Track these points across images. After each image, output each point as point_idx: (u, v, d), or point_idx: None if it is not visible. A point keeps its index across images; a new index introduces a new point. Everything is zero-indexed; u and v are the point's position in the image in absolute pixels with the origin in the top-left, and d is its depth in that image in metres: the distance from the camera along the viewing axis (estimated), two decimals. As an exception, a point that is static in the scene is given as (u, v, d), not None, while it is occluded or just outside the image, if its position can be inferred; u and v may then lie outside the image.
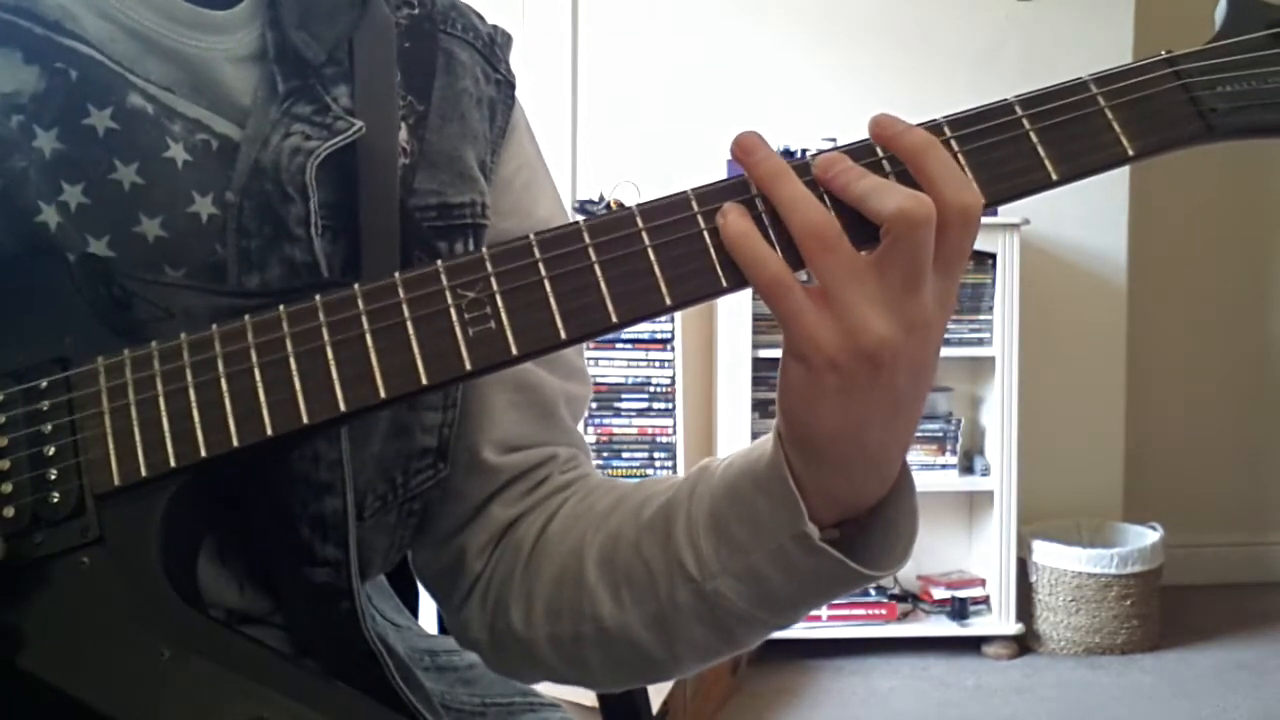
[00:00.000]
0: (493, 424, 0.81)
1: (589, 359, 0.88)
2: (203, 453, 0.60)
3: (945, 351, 3.17)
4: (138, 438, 0.61)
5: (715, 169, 3.01)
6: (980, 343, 3.11)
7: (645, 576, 0.72)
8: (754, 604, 0.69)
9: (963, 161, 0.62)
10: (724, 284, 0.61)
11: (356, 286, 0.62)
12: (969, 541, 3.33)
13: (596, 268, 0.61)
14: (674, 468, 2.98)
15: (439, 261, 0.62)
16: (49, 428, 0.61)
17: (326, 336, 0.61)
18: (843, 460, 0.63)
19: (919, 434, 3.13)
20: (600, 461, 2.90)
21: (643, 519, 0.73)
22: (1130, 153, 0.63)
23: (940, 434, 3.16)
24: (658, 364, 3.00)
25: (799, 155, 3.29)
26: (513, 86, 0.85)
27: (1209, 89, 0.63)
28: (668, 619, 0.71)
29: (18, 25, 0.67)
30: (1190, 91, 0.63)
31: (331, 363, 0.61)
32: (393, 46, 0.78)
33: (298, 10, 0.74)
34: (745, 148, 0.61)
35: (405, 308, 0.61)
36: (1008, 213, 2.95)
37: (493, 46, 0.84)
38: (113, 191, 0.68)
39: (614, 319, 0.61)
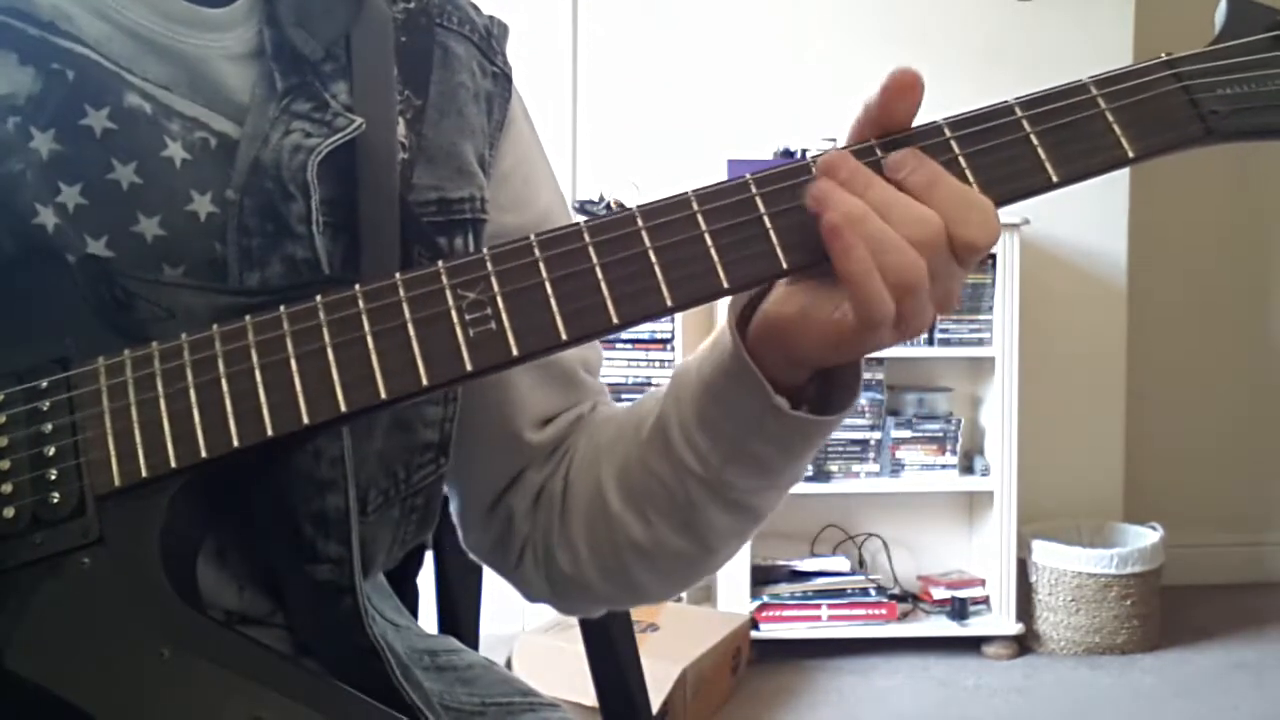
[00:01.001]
0: (526, 406, 0.84)
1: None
2: (203, 453, 0.60)
3: (945, 351, 3.15)
4: (138, 438, 0.61)
5: (715, 169, 3.01)
6: (980, 343, 3.11)
7: (661, 490, 0.76)
8: (757, 477, 0.73)
9: (963, 164, 0.62)
10: (725, 285, 0.61)
11: (357, 287, 0.62)
12: (969, 541, 3.33)
13: (598, 269, 0.61)
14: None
15: (440, 262, 0.62)
16: (49, 428, 0.61)
17: (327, 337, 0.61)
18: (819, 364, 0.68)
19: (918, 434, 3.15)
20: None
21: (642, 439, 0.77)
22: (1130, 155, 0.63)
23: (940, 434, 3.16)
24: (658, 364, 3.00)
25: (799, 156, 3.28)
26: (509, 79, 0.85)
27: (1209, 91, 0.63)
28: (692, 519, 0.76)
29: (12, 26, 0.67)
30: (1190, 94, 0.63)
31: (332, 363, 0.61)
32: (390, 42, 0.78)
33: (295, 7, 0.74)
34: (831, 174, 0.62)
35: (406, 308, 0.61)
36: (1008, 213, 2.90)
37: (489, 39, 0.84)
38: (111, 191, 0.67)
39: (615, 320, 0.61)
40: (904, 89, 0.63)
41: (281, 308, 0.62)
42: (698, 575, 0.83)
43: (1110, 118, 0.63)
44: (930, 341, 3.12)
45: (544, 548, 0.84)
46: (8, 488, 0.60)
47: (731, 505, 0.75)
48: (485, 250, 0.62)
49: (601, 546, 0.81)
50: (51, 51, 0.67)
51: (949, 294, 0.63)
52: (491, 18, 0.86)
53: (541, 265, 0.61)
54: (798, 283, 0.65)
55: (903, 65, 0.63)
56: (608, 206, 3.05)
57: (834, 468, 3.14)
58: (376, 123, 0.74)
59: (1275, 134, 0.63)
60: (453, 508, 0.89)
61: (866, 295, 0.60)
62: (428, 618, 1.06)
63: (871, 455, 3.17)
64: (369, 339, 0.61)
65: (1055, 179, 0.62)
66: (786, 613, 3.08)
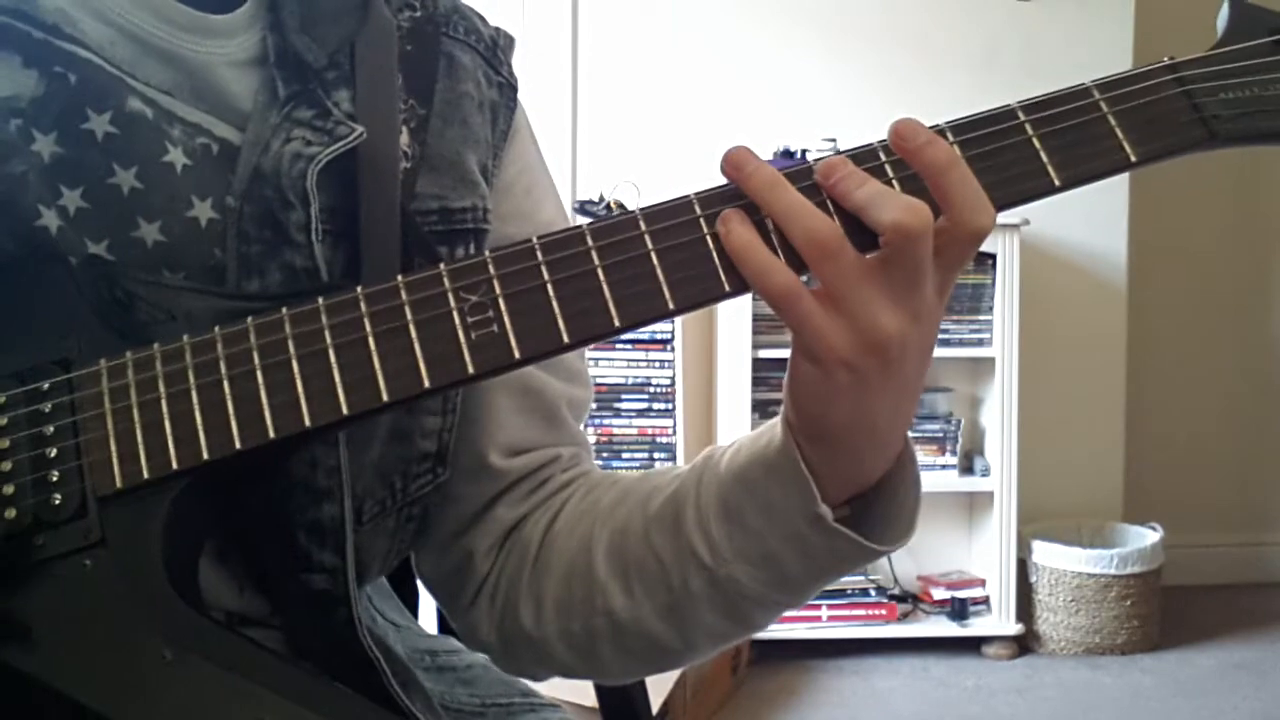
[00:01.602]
0: (498, 428, 0.81)
1: (589, 359, 0.89)
2: (205, 455, 0.60)
3: (945, 352, 3.16)
4: (140, 440, 0.61)
5: (715, 170, 3.00)
6: (980, 343, 3.11)
7: (656, 567, 0.73)
8: (767, 586, 0.70)
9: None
10: (727, 288, 0.61)
11: (359, 289, 0.62)
12: (969, 542, 3.33)
13: (599, 271, 0.61)
14: (674, 467, 2.98)
15: (441, 265, 0.62)
16: (51, 429, 0.61)
17: (329, 339, 0.61)
18: (853, 444, 0.65)
19: (919, 434, 3.15)
20: (600, 462, 2.88)
21: (650, 511, 0.74)
22: (1133, 159, 0.63)
23: (940, 434, 3.16)
24: (658, 364, 3.00)
25: (799, 156, 3.28)
26: (515, 89, 0.85)
27: (1211, 96, 0.63)
28: (681, 607, 0.72)
29: (16, 29, 0.66)
30: (1193, 98, 0.63)
31: (334, 365, 0.61)
32: (394, 50, 0.78)
33: (299, 14, 0.74)
34: (735, 163, 0.62)
35: (408, 310, 0.61)
36: (1007, 213, 2.94)
37: (495, 49, 0.84)
38: (111, 196, 0.67)
39: (616, 323, 0.61)
40: (735, 166, 0.62)
41: (284, 309, 0.62)
42: (667, 666, 0.79)
43: (1113, 121, 0.63)
44: (930, 341, 3.11)
45: (506, 596, 0.80)
46: (9, 489, 0.60)
47: (728, 607, 0.72)
48: (487, 253, 0.62)
49: (573, 609, 0.76)
50: (54, 55, 0.67)
51: (909, 293, 0.60)
52: (498, 29, 0.86)
53: (543, 268, 0.61)
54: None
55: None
56: (608, 207, 3.04)
57: (834, 468, 3.14)
58: (379, 131, 0.73)
59: (1277, 138, 0.63)
60: None
61: (753, 269, 0.59)
62: (428, 618, 1.05)
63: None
64: (371, 341, 0.61)
65: (1058, 183, 0.63)
66: (785, 614, 3.07)
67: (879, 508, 0.69)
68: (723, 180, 0.63)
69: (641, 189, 3.01)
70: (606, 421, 2.99)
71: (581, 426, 0.87)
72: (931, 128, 0.63)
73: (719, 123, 3.24)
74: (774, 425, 0.68)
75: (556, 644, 0.78)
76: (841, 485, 0.67)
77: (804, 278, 0.60)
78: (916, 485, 0.69)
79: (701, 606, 0.72)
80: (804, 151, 2.99)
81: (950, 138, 0.63)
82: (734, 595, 0.71)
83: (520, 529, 0.81)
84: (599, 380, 2.93)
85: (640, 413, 3.01)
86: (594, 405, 0.88)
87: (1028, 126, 0.63)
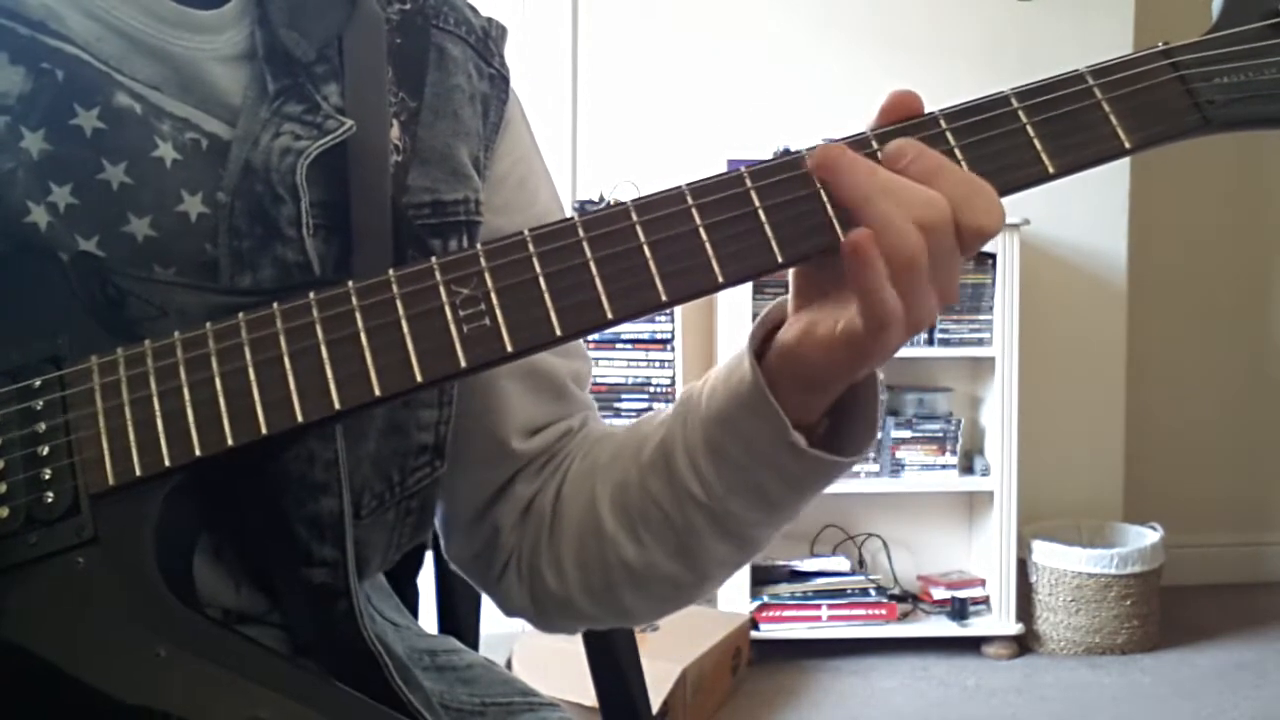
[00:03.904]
0: (513, 414, 0.83)
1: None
2: (197, 452, 0.60)
3: (945, 351, 3.15)
4: (132, 437, 0.60)
5: (715, 169, 2.99)
6: (980, 343, 3.11)
7: (658, 513, 0.75)
8: (762, 510, 0.73)
9: (959, 155, 0.62)
10: (720, 279, 0.61)
11: (350, 284, 0.62)
12: (969, 541, 3.33)
13: (591, 264, 0.61)
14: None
15: (433, 258, 0.62)
16: (43, 427, 0.61)
17: (321, 334, 0.61)
18: (833, 385, 0.67)
19: (918, 434, 3.15)
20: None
21: (643, 460, 0.77)
22: (1127, 145, 0.63)
23: (940, 434, 3.16)
24: (658, 364, 3.00)
25: (798, 153, 3.27)
26: (507, 80, 0.85)
27: (1206, 81, 0.63)
28: (689, 546, 0.75)
29: (2, 26, 0.66)
30: (1187, 83, 0.63)
31: (326, 360, 0.61)
32: (383, 43, 0.78)
33: (286, 9, 0.74)
34: (830, 167, 0.61)
35: (400, 305, 0.61)
36: (1008, 212, 2.94)
37: (486, 40, 0.84)
38: (101, 191, 0.67)
39: (609, 315, 0.61)
40: (902, 108, 0.63)
41: (275, 305, 0.62)
42: (686, 600, 0.82)
43: (1107, 108, 0.63)
44: (930, 341, 3.11)
45: (529, 563, 0.83)
46: (2, 488, 0.60)
47: (731, 534, 0.74)
48: (479, 246, 0.62)
49: (590, 565, 0.80)
50: (42, 51, 0.67)
51: (950, 283, 0.62)
52: (490, 19, 0.86)
53: (535, 260, 0.61)
54: (802, 304, 0.66)
55: (902, 87, 0.63)
56: (607, 206, 3.03)
57: (834, 468, 3.14)
58: (368, 125, 0.74)
59: (1272, 123, 0.63)
60: (436, 515, 0.88)
61: (868, 284, 0.59)
62: (428, 618, 1.05)
63: (871, 455, 3.16)
64: (363, 335, 0.61)
65: (1051, 170, 0.62)
66: (786, 613, 3.08)
67: (846, 420, 0.71)
68: (716, 173, 0.63)
69: (641, 188, 3.00)
70: (606, 422, 2.98)
71: (586, 392, 0.90)
72: (926, 116, 0.63)
73: (719, 123, 3.25)
74: (741, 360, 0.69)
75: (581, 599, 0.81)
76: (810, 410, 0.69)
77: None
78: (876, 392, 0.71)
79: (708, 540, 0.75)
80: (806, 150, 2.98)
81: (944, 125, 0.63)
82: (734, 524, 0.74)
83: (537, 500, 0.84)
84: (599, 380, 2.93)
85: (640, 412, 2.99)
86: (593, 405, 0.90)
87: (1021, 114, 0.63)
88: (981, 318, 3.10)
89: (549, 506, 0.83)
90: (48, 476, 0.60)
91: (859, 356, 0.63)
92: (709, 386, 0.73)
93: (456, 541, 0.88)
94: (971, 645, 3.14)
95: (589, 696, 1.05)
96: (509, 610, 0.88)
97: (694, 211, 0.62)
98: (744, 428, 0.69)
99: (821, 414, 0.69)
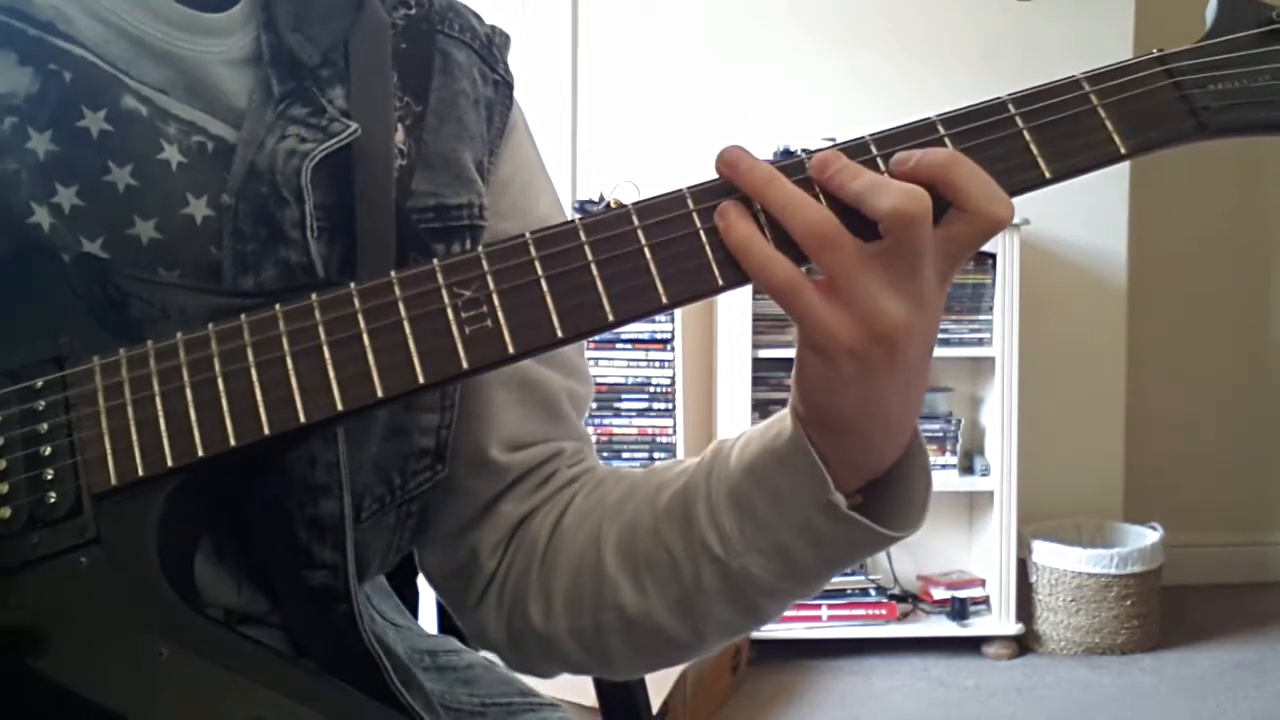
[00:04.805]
0: (498, 423, 0.81)
1: (589, 358, 0.89)
2: (200, 452, 0.60)
3: (945, 351, 3.15)
4: (134, 437, 0.61)
5: (714, 169, 3.00)
6: (980, 343, 3.11)
7: (667, 562, 0.73)
8: (779, 576, 0.70)
9: None
10: (720, 282, 0.61)
11: (353, 285, 0.62)
12: (969, 541, 3.33)
13: (593, 266, 0.61)
14: (674, 468, 2.98)
15: (435, 260, 0.62)
16: (45, 427, 0.61)
17: (323, 335, 0.61)
18: (864, 434, 0.65)
19: (918, 434, 3.14)
20: (601, 461, 2.90)
21: (659, 505, 0.74)
22: (1122, 151, 0.63)
23: (940, 434, 3.16)
24: (658, 364, 3.00)
25: (799, 155, 3.27)
26: (511, 87, 0.85)
27: (1200, 87, 0.63)
28: (692, 601, 0.72)
29: (11, 27, 0.67)
30: (1182, 90, 0.63)
31: (329, 362, 0.61)
32: (388, 48, 0.78)
33: (293, 12, 0.74)
34: (729, 162, 0.62)
35: (402, 306, 0.61)
36: (1007, 213, 2.95)
37: (490, 47, 0.84)
38: (107, 193, 0.67)
39: (610, 317, 0.61)
40: (730, 165, 0.63)
41: (277, 306, 0.62)
42: (675, 660, 0.78)
43: (1103, 114, 0.63)
44: (930, 341, 3.11)
45: (514, 593, 0.80)
46: (4, 488, 0.60)
47: (739, 598, 0.72)
48: (481, 249, 0.62)
49: (583, 605, 0.76)
50: (49, 52, 0.67)
51: (909, 286, 0.60)
52: (494, 26, 0.86)
53: (537, 263, 0.61)
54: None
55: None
56: (607, 206, 3.02)
57: (834, 468, 3.14)
58: (373, 128, 0.74)
59: (1267, 129, 0.63)
60: None
61: (759, 265, 0.60)
62: (428, 618, 1.05)
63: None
64: (365, 337, 0.61)
65: (1048, 175, 0.63)
66: (786, 612, 3.07)
67: (890, 496, 0.69)
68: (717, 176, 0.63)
69: (641, 189, 3.01)
70: (606, 421, 2.99)
71: (583, 422, 0.87)
72: (923, 121, 0.63)
73: (719, 122, 3.24)
74: (783, 417, 0.68)
75: (566, 640, 0.78)
76: (851, 473, 0.67)
77: (803, 267, 0.61)
78: (927, 473, 0.70)
79: (713, 599, 0.72)
80: (804, 151, 2.98)
81: (941, 130, 0.63)
82: (746, 587, 0.71)
83: (526, 525, 0.81)
84: (598, 380, 2.93)
85: (640, 412, 3.01)
86: (594, 405, 0.88)
87: (1018, 119, 0.63)
88: (981, 318, 3.10)
89: (545, 536, 0.79)
90: (50, 477, 0.60)
91: (833, 381, 0.62)
92: (742, 439, 0.72)
93: (434, 555, 0.85)
94: (972, 645, 3.14)
95: (589, 696, 1.05)
96: (481, 641, 0.84)
97: (695, 215, 0.62)
98: (776, 482, 0.67)
99: (859, 485, 0.67)
